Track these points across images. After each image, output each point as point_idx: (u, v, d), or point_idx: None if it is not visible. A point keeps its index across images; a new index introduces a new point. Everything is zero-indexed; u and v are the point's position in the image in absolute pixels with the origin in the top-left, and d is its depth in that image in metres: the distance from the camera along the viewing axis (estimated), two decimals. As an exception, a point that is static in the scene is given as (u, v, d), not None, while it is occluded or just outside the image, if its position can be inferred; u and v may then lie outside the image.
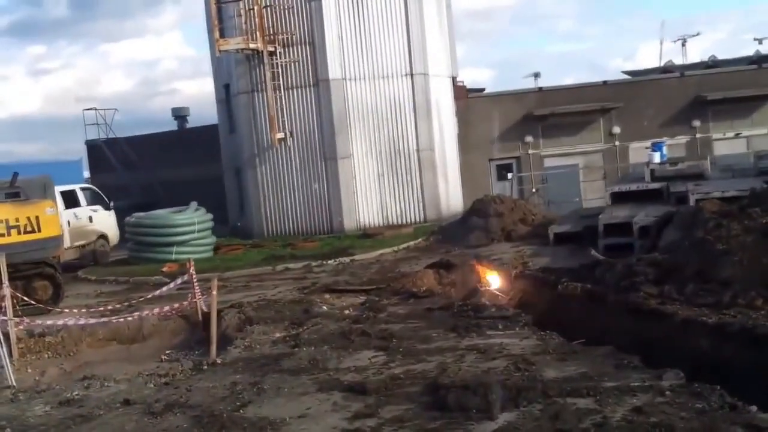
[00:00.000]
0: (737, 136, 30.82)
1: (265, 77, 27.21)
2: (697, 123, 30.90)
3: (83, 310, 15.13)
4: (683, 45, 45.27)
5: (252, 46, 26.77)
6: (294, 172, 27.87)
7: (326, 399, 8.37)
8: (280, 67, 27.34)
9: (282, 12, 27.35)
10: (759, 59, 35.03)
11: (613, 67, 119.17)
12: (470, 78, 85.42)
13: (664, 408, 6.90)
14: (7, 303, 12.68)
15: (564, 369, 8.55)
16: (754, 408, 6.71)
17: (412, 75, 28.20)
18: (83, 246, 24.24)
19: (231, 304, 14.86)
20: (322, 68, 27.42)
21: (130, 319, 13.75)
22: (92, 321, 13.46)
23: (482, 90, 35.14)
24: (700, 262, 10.94)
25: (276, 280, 19.09)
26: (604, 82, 32.86)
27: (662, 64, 41.16)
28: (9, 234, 17.13)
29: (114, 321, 13.68)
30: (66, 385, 10.41)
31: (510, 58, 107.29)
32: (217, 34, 27.07)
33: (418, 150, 28.27)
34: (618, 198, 20.28)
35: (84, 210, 24.38)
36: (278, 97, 27.35)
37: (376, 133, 27.90)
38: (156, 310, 13.63)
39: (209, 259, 23.21)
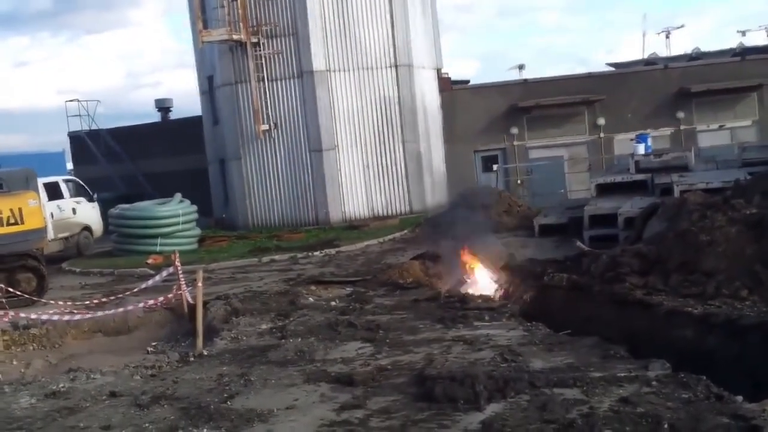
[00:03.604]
0: (721, 127, 30.96)
1: (248, 68, 27.10)
2: (681, 115, 30.97)
3: (68, 303, 15.07)
4: (667, 37, 45.58)
5: (235, 37, 26.64)
6: (279, 163, 27.82)
7: (313, 390, 8.36)
8: (263, 59, 27.23)
9: (265, 3, 27.21)
10: (742, 51, 35.24)
11: (597, 60, 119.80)
12: (455, 70, 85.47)
13: (650, 398, 6.94)
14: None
15: (550, 360, 8.59)
16: (739, 398, 6.76)
17: (396, 67, 28.17)
18: (67, 238, 24.17)
19: (217, 295, 14.82)
20: (306, 60, 27.33)
21: (115, 311, 13.69)
22: (77, 317, 13.36)
23: (467, 82, 35.12)
24: (685, 253, 10.99)
25: (262, 271, 19.06)
26: (589, 74, 32.92)
27: (646, 57, 41.27)
28: (-8, 226, 17.04)
29: (100, 314, 13.60)
30: (52, 378, 10.33)
31: (495, 50, 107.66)
32: (200, 25, 26.96)
33: (403, 141, 28.26)
34: (603, 189, 20.35)
35: (67, 202, 24.30)
36: (262, 88, 27.24)
37: (361, 124, 27.87)
38: (141, 304, 13.58)
39: (194, 251, 23.15)
